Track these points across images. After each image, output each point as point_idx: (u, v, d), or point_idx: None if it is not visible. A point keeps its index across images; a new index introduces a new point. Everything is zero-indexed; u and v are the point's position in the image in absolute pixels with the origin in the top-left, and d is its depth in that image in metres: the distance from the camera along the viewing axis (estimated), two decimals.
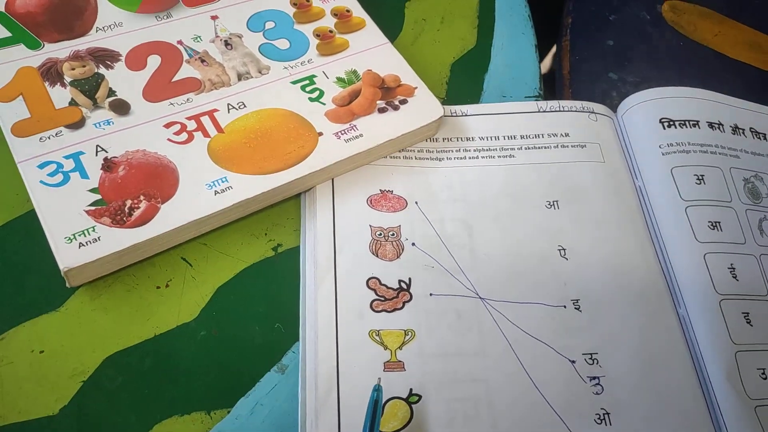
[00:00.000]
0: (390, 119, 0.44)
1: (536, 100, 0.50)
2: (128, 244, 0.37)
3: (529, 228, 0.43)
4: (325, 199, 0.43)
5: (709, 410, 0.37)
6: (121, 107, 0.42)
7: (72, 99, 0.42)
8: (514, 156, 0.46)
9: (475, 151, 0.46)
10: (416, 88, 0.46)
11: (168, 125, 0.42)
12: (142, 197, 0.38)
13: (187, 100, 0.43)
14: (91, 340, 0.37)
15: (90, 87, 0.43)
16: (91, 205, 0.38)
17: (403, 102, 0.45)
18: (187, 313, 0.39)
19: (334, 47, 0.48)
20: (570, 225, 0.43)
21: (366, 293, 0.39)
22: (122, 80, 0.43)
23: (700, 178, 0.45)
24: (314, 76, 0.46)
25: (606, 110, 0.50)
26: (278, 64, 0.46)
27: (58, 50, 0.44)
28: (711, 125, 0.47)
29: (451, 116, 0.48)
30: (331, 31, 0.49)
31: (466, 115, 0.48)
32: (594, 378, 0.38)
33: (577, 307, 0.40)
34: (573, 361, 0.38)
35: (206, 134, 0.42)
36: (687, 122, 0.47)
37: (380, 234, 0.42)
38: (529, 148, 0.47)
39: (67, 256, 0.36)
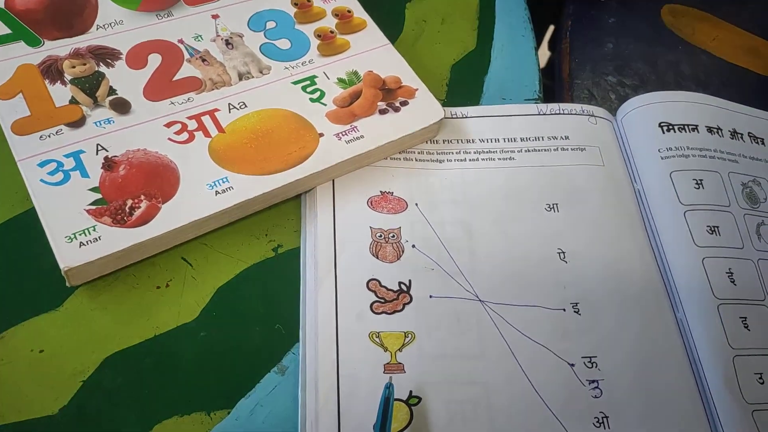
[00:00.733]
0: (391, 121, 0.44)
1: (536, 103, 0.50)
2: (129, 244, 0.37)
3: (529, 230, 0.43)
4: (325, 200, 0.43)
5: (707, 414, 0.38)
6: (121, 106, 0.42)
7: (72, 97, 0.42)
8: (514, 158, 0.46)
9: (475, 153, 0.46)
10: (417, 89, 0.46)
11: (169, 124, 0.42)
12: (142, 197, 0.38)
13: (188, 99, 0.43)
14: (90, 339, 0.37)
15: (90, 85, 0.42)
16: (91, 204, 0.38)
17: (404, 103, 0.45)
18: (187, 313, 0.39)
19: (335, 48, 0.48)
20: (569, 228, 0.43)
21: (366, 295, 0.39)
22: (123, 79, 0.43)
23: (699, 182, 0.45)
24: (315, 76, 0.46)
25: (605, 113, 0.50)
26: (279, 64, 0.46)
27: (59, 48, 0.44)
28: (710, 130, 0.48)
29: (452, 118, 0.48)
30: (332, 32, 0.49)
31: (466, 117, 0.48)
32: (593, 381, 0.38)
33: (576, 310, 0.40)
34: (572, 364, 0.38)
35: (207, 134, 0.42)
36: (686, 126, 0.47)
37: (380, 235, 0.42)
38: (529, 151, 0.47)
39: (67, 256, 0.36)
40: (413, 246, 0.42)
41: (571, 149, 0.47)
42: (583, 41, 0.58)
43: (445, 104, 0.49)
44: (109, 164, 0.39)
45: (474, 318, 0.39)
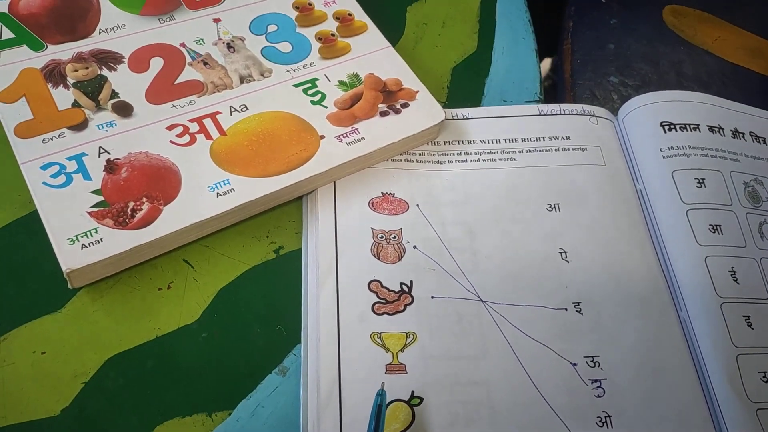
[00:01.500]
0: (392, 123, 0.44)
1: (536, 104, 0.50)
2: (130, 246, 0.37)
3: (531, 230, 0.43)
4: (326, 201, 0.43)
5: (711, 413, 0.37)
6: (123, 109, 0.42)
7: (75, 100, 0.42)
8: (515, 159, 0.46)
9: (476, 154, 0.46)
10: (418, 91, 0.46)
11: (170, 127, 0.42)
12: (144, 199, 0.38)
13: (190, 102, 0.43)
14: (92, 341, 0.37)
15: (93, 89, 0.43)
16: (93, 206, 0.38)
17: (405, 105, 0.45)
18: (189, 314, 0.39)
19: (336, 51, 0.48)
20: (571, 228, 0.43)
21: (368, 296, 0.39)
22: (125, 82, 0.44)
23: (701, 181, 0.45)
24: (316, 79, 0.46)
25: (607, 113, 0.50)
26: (280, 67, 0.46)
27: (61, 52, 0.44)
28: (711, 129, 0.48)
29: (453, 119, 0.48)
30: (333, 35, 0.49)
31: (467, 119, 0.48)
32: (595, 381, 0.38)
33: (578, 309, 0.40)
34: (574, 364, 0.38)
35: (208, 136, 0.42)
36: (687, 126, 0.47)
37: (382, 237, 0.42)
38: (530, 151, 0.47)
39: (69, 258, 0.36)
40: (414, 247, 0.42)
41: (573, 149, 0.47)
42: (585, 42, 0.58)
43: (446, 106, 0.49)
44: (111, 167, 0.40)
45: (476, 318, 0.39)
